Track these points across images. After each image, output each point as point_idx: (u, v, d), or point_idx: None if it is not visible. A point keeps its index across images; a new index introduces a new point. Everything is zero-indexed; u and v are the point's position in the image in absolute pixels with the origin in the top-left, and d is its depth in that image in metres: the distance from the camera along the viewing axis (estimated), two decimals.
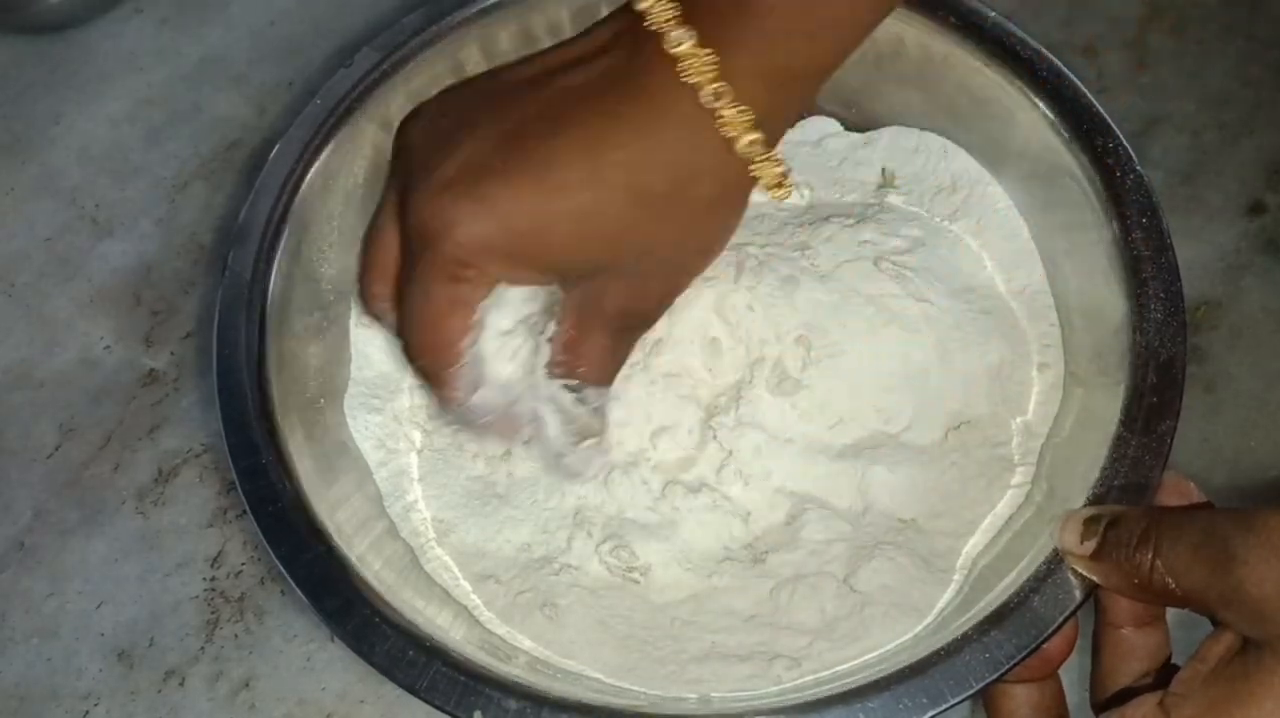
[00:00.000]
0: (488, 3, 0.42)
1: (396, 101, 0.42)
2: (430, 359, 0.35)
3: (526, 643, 0.37)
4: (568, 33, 0.45)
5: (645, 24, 0.32)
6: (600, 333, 0.35)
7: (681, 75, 0.31)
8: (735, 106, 0.32)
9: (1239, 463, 0.45)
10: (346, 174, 0.41)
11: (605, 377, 0.37)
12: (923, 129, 0.44)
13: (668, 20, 0.32)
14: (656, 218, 0.33)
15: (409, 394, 0.42)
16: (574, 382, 0.36)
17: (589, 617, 0.37)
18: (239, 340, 0.37)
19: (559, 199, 0.33)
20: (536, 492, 0.39)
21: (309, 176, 0.40)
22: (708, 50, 0.31)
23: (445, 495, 0.40)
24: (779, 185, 0.33)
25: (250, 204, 0.39)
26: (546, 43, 0.44)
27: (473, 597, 0.38)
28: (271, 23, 0.57)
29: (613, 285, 0.35)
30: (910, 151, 0.44)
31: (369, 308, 0.37)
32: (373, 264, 0.37)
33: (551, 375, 0.36)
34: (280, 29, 0.57)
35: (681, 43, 0.31)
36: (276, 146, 0.40)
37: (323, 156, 0.40)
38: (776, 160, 0.33)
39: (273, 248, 0.39)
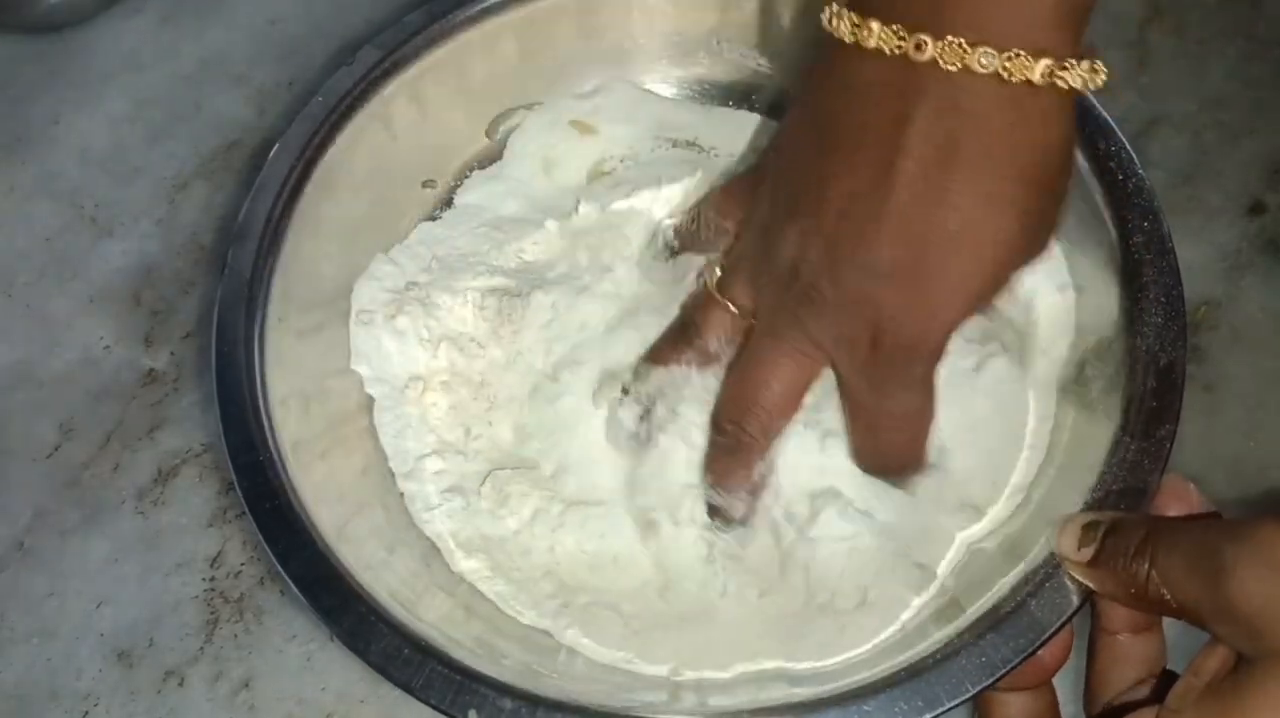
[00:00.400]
0: (489, 2, 0.42)
1: (397, 100, 0.42)
2: (769, 421, 0.36)
3: (529, 617, 0.37)
4: (571, 32, 0.45)
5: (928, 68, 0.31)
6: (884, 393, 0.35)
7: (1010, 79, 0.31)
8: (1062, 64, 0.31)
9: (1239, 463, 0.45)
10: (347, 172, 0.41)
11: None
12: None
13: (963, 53, 0.31)
14: (1050, 192, 0.32)
15: (421, 394, 0.42)
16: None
17: (595, 596, 0.38)
18: (238, 338, 0.37)
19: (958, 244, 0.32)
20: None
21: (310, 175, 0.40)
22: (1011, 49, 0.31)
23: (456, 498, 0.40)
24: (1093, 73, 0.32)
25: (250, 202, 0.39)
26: (547, 44, 0.45)
27: (481, 582, 0.38)
28: (271, 23, 0.57)
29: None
30: None
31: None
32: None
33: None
34: (280, 29, 0.57)
35: (991, 63, 0.31)
36: (277, 144, 0.40)
37: (324, 155, 0.40)
38: (1096, 64, 0.32)
39: (273, 246, 0.39)
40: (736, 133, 0.47)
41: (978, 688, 0.31)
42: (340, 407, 0.41)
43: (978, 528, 0.38)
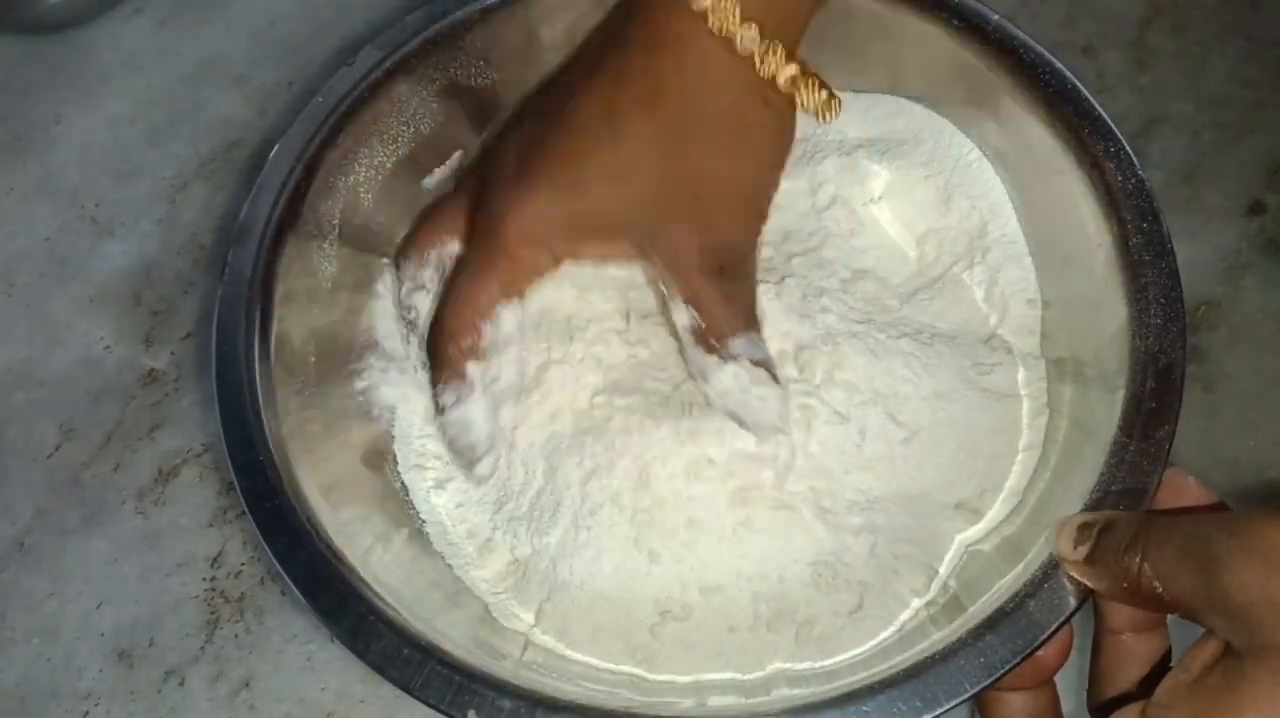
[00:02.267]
0: (489, 2, 0.42)
1: (398, 100, 0.42)
2: (456, 337, 0.37)
3: (527, 621, 0.37)
4: (570, 35, 0.45)
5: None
6: (704, 283, 0.36)
7: (712, 27, 0.34)
8: (768, 45, 0.34)
9: (1239, 463, 0.45)
10: (348, 172, 0.41)
11: (741, 322, 0.37)
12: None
13: None
14: (683, 144, 0.35)
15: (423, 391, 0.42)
16: (726, 352, 0.36)
17: (594, 599, 0.38)
18: (238, 337, 0.37)
19: (590, 158, 0.35)
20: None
21: (310, 175, 0.40)
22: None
23: (459, 497, 0.40)
24: (827, 105, 0.35)
25: (251, 202, 0.39)
26: (547, 44, 0.45)
27: (480, 581, 0.38)
28: (271, 23, 0.57)
29: (681, 232, 0.36)
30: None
31: (405, 271, 0.40)
32: (422, 240, 0.40)
33: (707, 350, 0.36)
34: (280, 29, 0.57)
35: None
36: (277, 145, 0.40)
37: (324, 155, 0.40)
38: (819, 84, 0.35)
39: (274, 246, 0.39)
40: None
41: (976, 688, 0.31)
42: (341, 407, 0.41)
43: (975, 530, 0.38)
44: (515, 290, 0.38)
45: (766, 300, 0.39)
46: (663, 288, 0.37)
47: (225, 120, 0.55)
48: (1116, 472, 0.34)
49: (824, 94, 0.35)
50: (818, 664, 0.36)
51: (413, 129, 0.43)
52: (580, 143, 0.36)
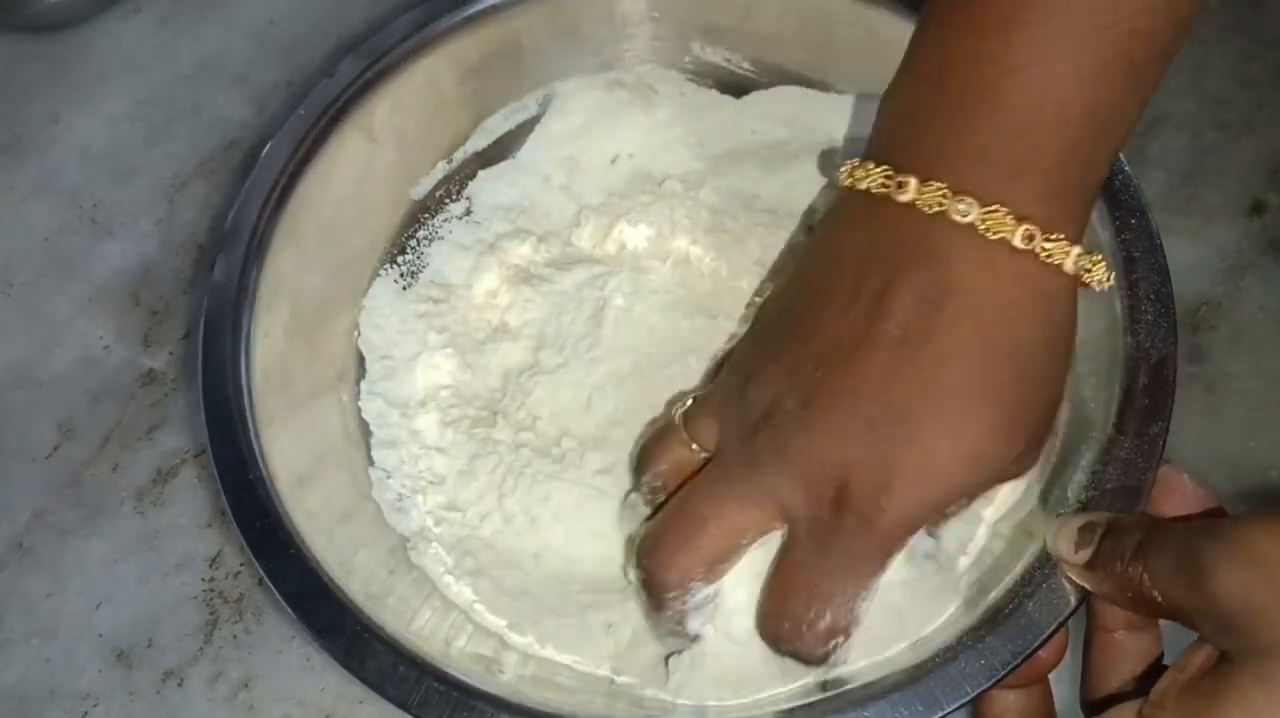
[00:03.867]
0: (475, 9, 0.42)
1: (382, 106, 0.41)
2: (690, 567, 0.33)
3: (519, 639, 0.37)
4: (554, 41, 0.44)
5: (914, 214, 0.31)
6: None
7: (986, 234, 0.30)
8: (1049, 236, 0.31)
9: (1239, 463, 0.45)
10: (331, 182, 0.41)
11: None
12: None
13: (942, 197, 0.30)
14: (1018, 394, 0.31)
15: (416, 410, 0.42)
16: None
17: (587, 614, 0.37)
18: (224, 353, 0.37)
19: (936, 442, 0.31)
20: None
21: (294, 184, 0.40)
22: (994, 204, 0.30)
23: (450, 514, 0.40)
24: (1093, 264, 0.32)
25: (236, 210, 0.39)
26: (531, 50, 0.44)
27: (471, 598, 0.38)
28: (271, 23, 0.57)
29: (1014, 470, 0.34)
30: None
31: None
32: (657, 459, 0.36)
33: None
34: (280, 29, 0.57)
35: (969, 211, 0.30)
36: (263, 153, 0.40)
37: (308, 165, 0.40)
38: (1098, 258, 0.32)
39: (259, 255, 0.39)
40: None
41: (977, 691, 0.31)
42: (330, 419, 0.41)
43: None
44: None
45: None
46: None
47: (224, 120, 0.55)
48: (1111, 469, 0.34)
49: (1105, 265, 0.32)
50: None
51: (397, 137, 0.43)
52: (929, 430, 0.31)
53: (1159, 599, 0.29)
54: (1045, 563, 0.33)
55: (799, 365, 0.32)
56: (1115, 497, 0.33)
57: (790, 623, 0.33)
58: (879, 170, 0.32)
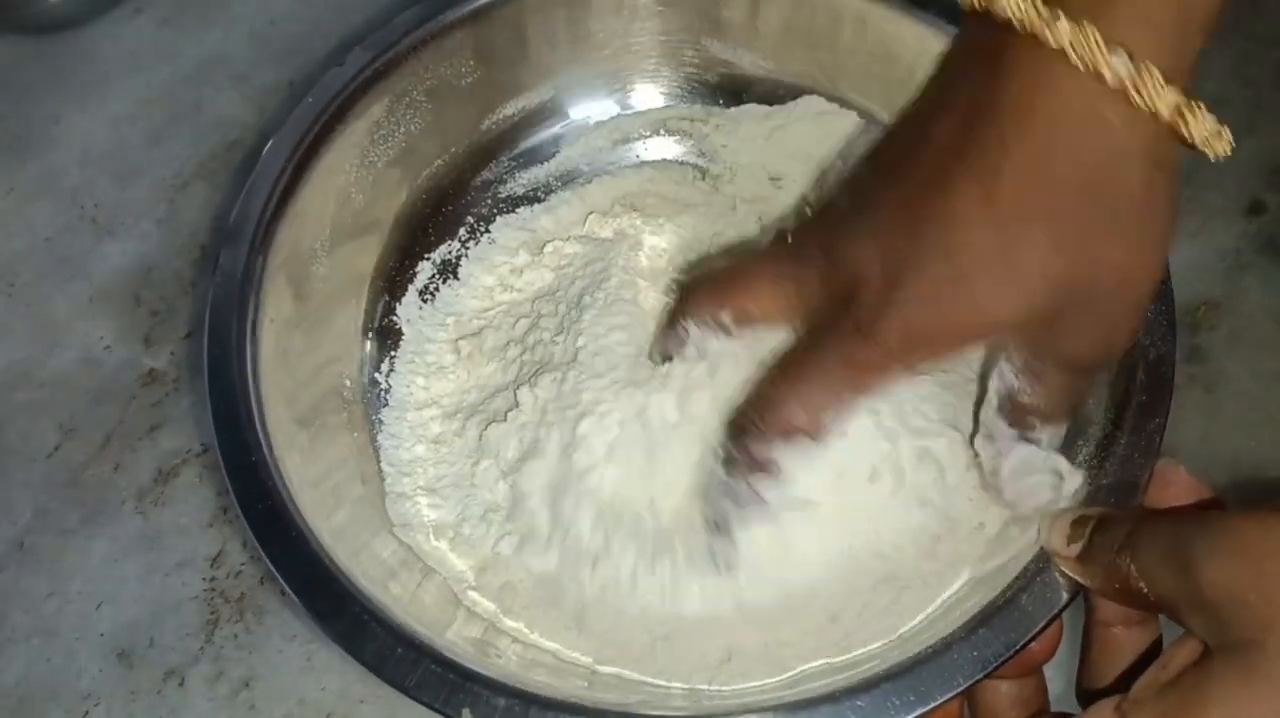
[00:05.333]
0: (480, 2, 0.42)
1: (387, 100, 0.42)
2: (807, 426, 0.33)
3: (518, 628, 0.37)
4: (561, 34, 0.45)
5: (1006, 31, 0.29)
6: (1061, 371, 0.32)
7: (1074, 60, 0.28)
8: (1144, 67, 0.28)
9: (1239, 463, 0.45)
10: (337, 173, 0.41)
11: (1063, 415, 0.34)
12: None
13: (1036, 13, 0.28)
14: (1085, 231, 0.29)
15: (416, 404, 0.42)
16: (1034, 435, 0.34)
17: (585, 605, 0.37)
18: (230, 339, 0.37)
19: (973, 262, 0.29)
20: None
21: (300, 176, 0.40)
22: (1089, 25, 0.28)
23: (449, 503, 0.40)
24: (1218, 136, 0.29)
25: (242, 203, 0.39)
26: (538, 44, 0.45)
27: (471, 591, 0.38)
28: (272, 23, 0.57)
29: (1069, 326, 0.31)
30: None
31: (694, 316, 0.36)
32: (740, 288, 0.35)
33: (1013, 424, 0.34)
34: (280, 29, 0.57)
35: (1063, 29, 0.28)
36: (268, 145, 0.40)
37: (314, 156, 0.40)
38: (1205, 109, 0.29)
39: (265, 247, 0.39)
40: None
41: (969, 682, 0.31)
42: (335, 406, 0.41)
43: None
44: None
45: None
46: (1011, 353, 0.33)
47: (225, 120, 0.55)
48: (1108, 465, 0.34)
49: (1212, 120, 0.29)
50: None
51: (403, 129, 0.43)
52: (961, 240, 0.30)
53: (1145, 591, 0.29)
54: (1039, 557, 0.33)
55: (865, 177, 0.33)
56: (1111, 492, 0.33)
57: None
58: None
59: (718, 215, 0.45)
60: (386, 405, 0.42)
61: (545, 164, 0.48)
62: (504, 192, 0.47)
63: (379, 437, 0.41)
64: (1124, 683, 0.30)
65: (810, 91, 0.46)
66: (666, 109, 0.48)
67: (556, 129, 0.48)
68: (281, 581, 0.34)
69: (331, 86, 0.41)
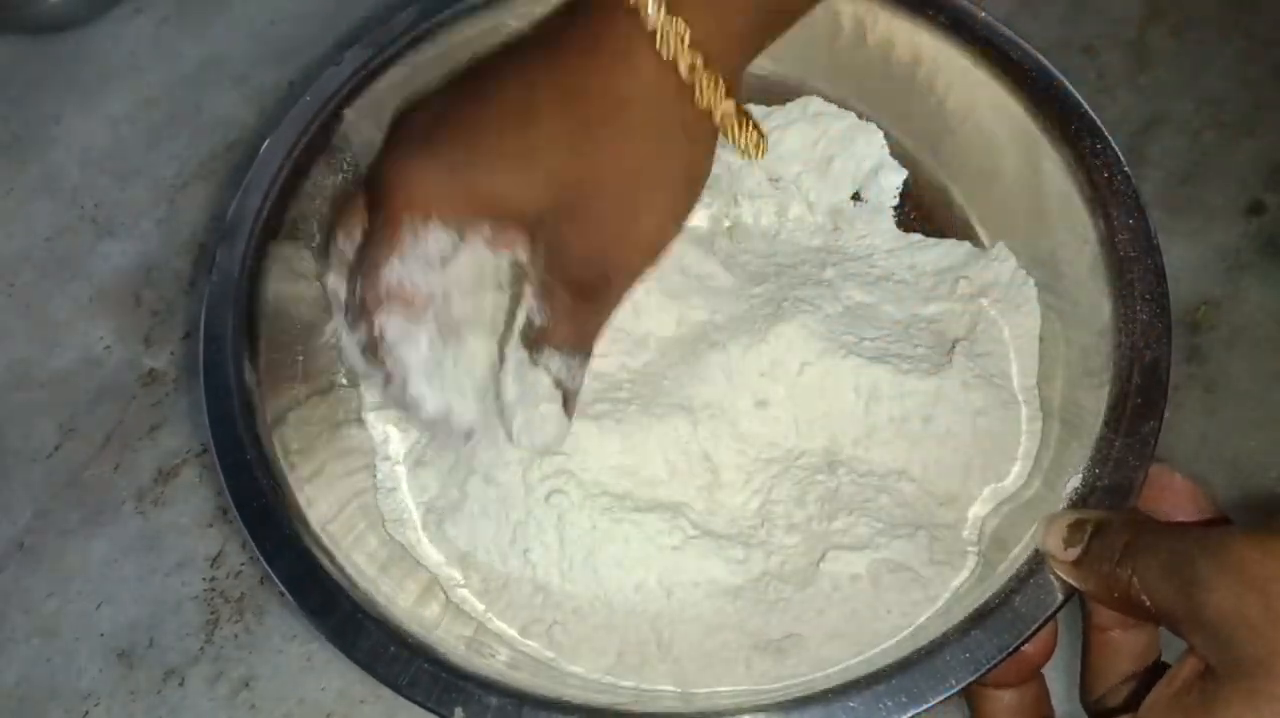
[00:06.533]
0: (478, 2, 0.43)
1: (386, 98, 0.42)
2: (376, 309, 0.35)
3: (511, 633, 0.37)
4: None
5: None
6: (564, 291, 0.35)
7: (658, 49, 0.33)
8: (710, 77, 0.33)
9: (1239, 463, 0.45)
10: (335, 171, 0.41)
11: (573, 343, 0.36)
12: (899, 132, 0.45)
13: None
14: (595, 146, 0.34)
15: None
16: (549, 352, 0.35)
17: (576, 608, 0.37)
18: (226, 337, 0.37)
19: (497, 135, 0.34)
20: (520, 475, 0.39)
21: (298, 174, 0.40)
22: (680, 21, 0.33)
23: (434, 488, 0.40)
24: (756, 148, 0.35)
25: (238, 201, 0.40)
26: None
27: (460, 590, 0.38)
28: (271, 23, 0.57)
29: (568, 233, 0.35)
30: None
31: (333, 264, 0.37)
32: (340, 221, 0.37)
33: (526, 346, 0.36)
34: (280, 29, 0.57)
35: (659, 16, 0.33)
36: (265, 144, 0.40)
37: (312, 154, 0.40)
38: (752, 124, 0.34)
39: (261, 245, 0.39)
40: None
41: (962, 684, 0.31)
42: (330, 405, 0.41)
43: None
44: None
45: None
46: (527, 269, 0.36)
47: (225, 120, 0.55)
48: (1103, 467, 0.34)
49: (755, 134, 0.35)
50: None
51: None
52: (489, 118, 0.34)
53: (1146, 603, 0.29)
54: (1032, 558, 0.33)
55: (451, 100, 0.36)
56: (1106, 494, 0.33)
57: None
58: None
59: (718, 215, 0.45)
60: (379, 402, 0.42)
61: None
62: None
63: (372, 433, 0.41)
64: (1132, 700, 0.31)
65: (809, 92, 0.46)
66: None
67: None
68: (275, 578, 0.34)
69: (329, 86, 0.41)
